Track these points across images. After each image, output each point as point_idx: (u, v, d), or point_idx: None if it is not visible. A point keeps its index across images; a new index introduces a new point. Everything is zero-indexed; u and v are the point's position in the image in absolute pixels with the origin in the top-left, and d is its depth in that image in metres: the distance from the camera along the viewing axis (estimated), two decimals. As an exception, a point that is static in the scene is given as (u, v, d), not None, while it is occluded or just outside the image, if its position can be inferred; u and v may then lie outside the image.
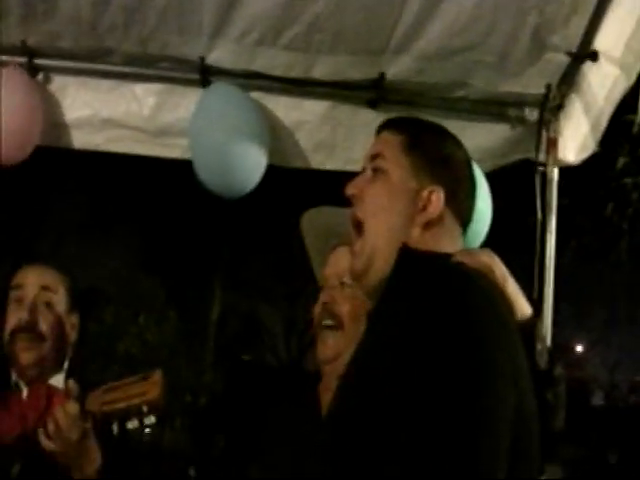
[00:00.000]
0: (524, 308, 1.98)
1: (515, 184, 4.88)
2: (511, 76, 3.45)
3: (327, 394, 2.47)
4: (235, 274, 17.75)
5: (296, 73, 3.44)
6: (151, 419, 2.38)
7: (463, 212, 2.01)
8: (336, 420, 1.82)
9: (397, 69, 3.41)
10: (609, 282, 17.67)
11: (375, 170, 2.00)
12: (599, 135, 3.47)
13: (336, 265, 2.55)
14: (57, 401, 2.82)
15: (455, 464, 1.52)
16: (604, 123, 3.41)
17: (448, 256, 1.89)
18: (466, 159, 2.07)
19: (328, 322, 2.48)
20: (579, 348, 25.11)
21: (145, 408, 2.36)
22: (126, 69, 3.53)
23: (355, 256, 1.99)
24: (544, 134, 3.54)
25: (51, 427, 2.44)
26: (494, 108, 3.58)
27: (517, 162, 3.73)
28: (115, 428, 2.46)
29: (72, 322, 3.01)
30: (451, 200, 1.96)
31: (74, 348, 3.04)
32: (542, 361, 1.97)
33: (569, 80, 3.45)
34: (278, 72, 3.45)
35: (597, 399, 23.58)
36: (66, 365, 2.98)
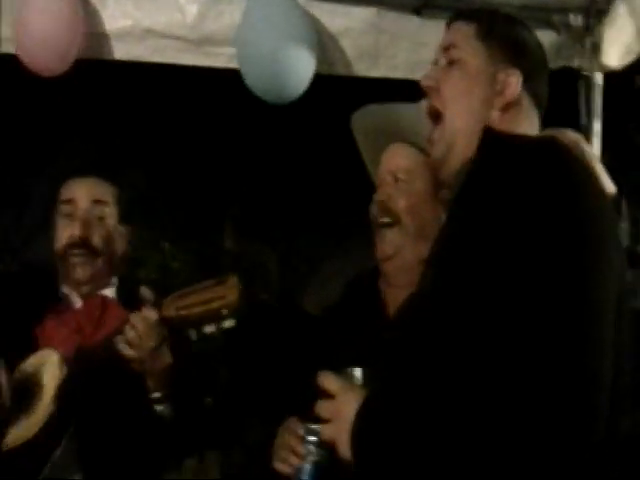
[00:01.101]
0: (609, 185, 2.00)
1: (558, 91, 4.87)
2: (557, -19, 3.44)
3: (391, 290, 2.48)
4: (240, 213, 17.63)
5: (343, -22, 3.43)
6: (231, 322, 2.38)
7: (540, 95, 2.02)
8: (426, 304, 1.80)
9: (445, -26, 3.39)
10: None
11: (450, 60, 2.00)
12: (645, 39, 3.48)
13: (389, 162, 2.54)
14: (112, 311, 2.84)
15: (561, 352, 1.52)
16: (651, 26, 3.42)
17: (533, 137, 1.91)
18: (539, 44, 2.08)
19: (385, 220, 2.47)
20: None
21: (225, 311, 2.37)
22: (169, -23, 3.51)
23: (434, 144, 2.00)
24: (588, 39, 3.54)
25: (131, 334, 2.44)
26: (539, 14, 3.55)
27: (560, 69, 3.72)
28: (193, 333, 2.45)
29: (122, 233, 2.98)
30: (528, 83, 1.96)
31: (124, 260, 3.03)
32: (625, 238, 1.98)
33: (615, -15, 3.44)
34: (325, -23, 3.44)
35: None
36: (115, 280, 2.97)
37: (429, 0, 3.49)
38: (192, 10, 3.57)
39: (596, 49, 3.54)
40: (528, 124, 1.97)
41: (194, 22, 3.58)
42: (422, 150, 2.41)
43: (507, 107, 1.94)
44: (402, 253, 2.43)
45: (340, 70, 3.70)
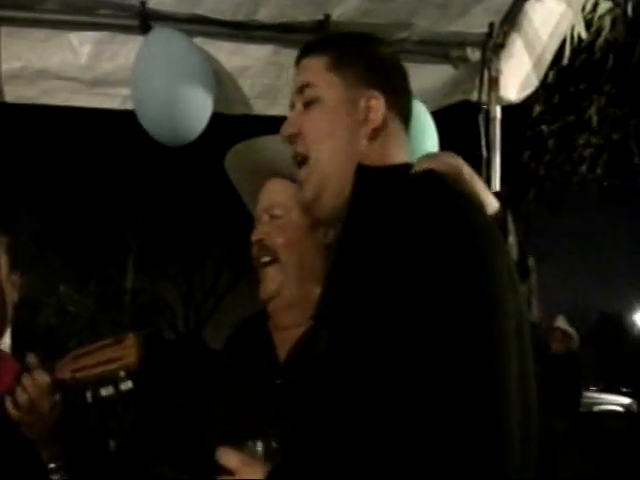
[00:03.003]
0: (492, 203, 1.96)
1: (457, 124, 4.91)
2: (455, 16, 3.44)
3: (278, 332, 2.42)
4: (139, 250, 17.52)
5: (241, 17, 3.37)
6: (128, 384, 2.26)
7: (404, 111, 1.94)
8: (324, 369, 1.66)
9: (343, 10, 3.36)
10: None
11: (306, 102, 1.92)
12: (542, 72, 3.52)
13: (264, 200, 2.47)
14: (5, 365, 2.70)
15: (466, 402, 1.44)
16: (548, 59, 3.47)
17: (409, 166, 1.83)
18: (396, 59, 2.00)
19: (265, 259, 2.39)
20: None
21: (122, 374, 2.26)
22: (61, 17, 3.40)
23: (302, 185, 1.92)
24: (486, 73, 3.56)
25: (22, 397, 2.27)
26: (437, 49, 3.57)
27: (460, 102, 3.74)
28: (89, 396, 2.33)
29: (13, 282, 2.74)
30: (390, 101, 1.89)
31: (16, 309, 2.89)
32: (514, 253, 1.95)
33: (511, 19, 3.48)
34: (222, 16, 3.37)
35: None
36: (8, 332, 2.83)
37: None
38: (85, 50, 3.48)
39: (494, 83, 3.55)
40: (398, 146, 1.90)
41: (88, 63, 3.49)
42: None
43: (375, 133, 1.86)
44: (284, 291, 2.37)
45: (238, 109, 3.65)
